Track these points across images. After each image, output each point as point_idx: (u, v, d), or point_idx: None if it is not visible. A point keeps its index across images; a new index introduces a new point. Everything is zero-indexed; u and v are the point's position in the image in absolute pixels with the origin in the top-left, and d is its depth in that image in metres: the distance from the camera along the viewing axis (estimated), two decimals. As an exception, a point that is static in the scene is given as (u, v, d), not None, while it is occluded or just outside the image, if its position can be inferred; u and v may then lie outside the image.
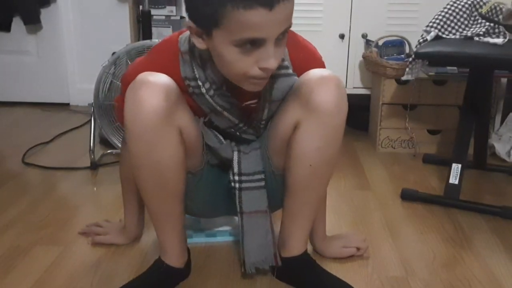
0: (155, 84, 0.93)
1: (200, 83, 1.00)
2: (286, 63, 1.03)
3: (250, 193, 1.09)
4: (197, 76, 1.00)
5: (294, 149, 1.02)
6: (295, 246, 1.11)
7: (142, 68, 1.01)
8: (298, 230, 1.10)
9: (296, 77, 1.03)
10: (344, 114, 1.00)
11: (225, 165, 1.12)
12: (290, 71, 1.03)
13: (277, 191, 1.11)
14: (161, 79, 0.95)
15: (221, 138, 1.09)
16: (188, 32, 1.00)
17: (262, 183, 1.10)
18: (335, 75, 0.99)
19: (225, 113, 1.04)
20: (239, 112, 1.05)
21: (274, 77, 1.01)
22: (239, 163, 1.09)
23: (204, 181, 1.13)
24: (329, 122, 0.98)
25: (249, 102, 1.06)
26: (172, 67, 1.00)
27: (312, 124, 0.98)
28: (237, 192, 1.09)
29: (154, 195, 1.03)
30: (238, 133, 1.10)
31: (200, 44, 0.92)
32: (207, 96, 1.01)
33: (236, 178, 1.09)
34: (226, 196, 1.14)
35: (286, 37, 0.91)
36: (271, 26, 0.84)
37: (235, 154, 1.09)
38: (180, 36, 1.02)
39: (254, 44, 0.86)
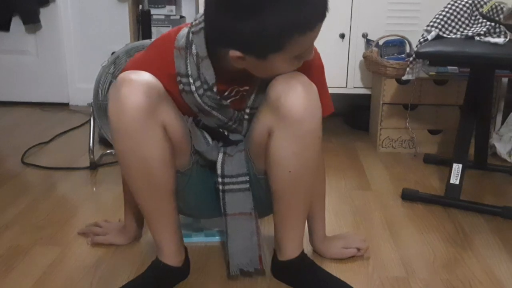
0: (136, 82, 0.94)
1: (191, 80, 0.99)
2: None
3: (234, 195, 1.09)
4: (189, 73, 0.99)
5: (271, 156, 1.01)
6: (290, 249, 1.11)
7: (137, 64, 1.02)
8: (290, 233, 1.10)
9: None
10: (316, 117, 0.97)
11: (213, 167, 1.11)
12: None
13: (263, 194, 1.10)
14: (142, 76, 0.96)
15: (209, 139, 1.09)
16: (186, 29, 1.00)
17: (246, 185, 1.09)
18: (304, 78, 0.97)
19: (214, 112, 1.04)
20: (228, 110, 1.05)
21: None
22: (223, 165, 1.08)
23: (194, 181, 1.13)
24: (301, 128, 0.96)
25: (245, 88, 1.05)
26: (167, 62, 1.00)
27: (284, 132, 0.97)
28: (221, 194, 1.09)
29: (144, 192, 1.03)
30: (226, 133, 1.09)
31: (239, 64, 0.92)
32: (195, 95, 1.01)
33: (220, 180, 1.08)
34: (216, 197, 1.13)
35: None
36: (318, 27, 0.90)
37: (220, 156, 1.09)
38: (178, 33, 1.01)
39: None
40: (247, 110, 1.06)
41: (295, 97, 0.95)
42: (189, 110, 1.05)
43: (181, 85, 1.01)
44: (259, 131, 1.03)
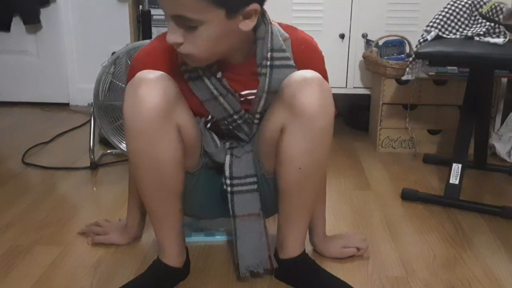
0: (154, 82, 0.94)
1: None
2: (288, 54, 1.03)
3: (242, 196, 1.09)
4: None
5: (282, 153, 1.01)
6: (292, 248, 1.11)
7: (143, 55, 1.03)
8: (294, 232, 1.10)
9: (296, 69, 1.03)
10: (330, 115, 0.98)
11: (220, 169, 1.12)
12: (291, 62, 1.03)
13: (270, 194, 1.11)
14: (160, 76, 0.96)
15: (217, 141, 1.09)
16: None
17: (254, 186, 1.09)
18: (318, 76, 0.98)
19: (221, 98, 1.04)
20: (235, 101, 1.05)
21: (273, 67, 1.01)
22: (231, 166, 1.09)
23: (201, 182, 1.13)
24: (314, 125, 0.96)
25: (246, 92, 1.06)
26: (172, 54, 1.01)
27: (298, 128, 0.97)
28: (229, 195, 1.09)
29: (153, 193, 1.03)
30: (231, 127, 1.09)
31: None
32: (204, 78, 1.01)
33: (228, 181, 1.09)
34: (222, 199, 1.13)
35: (206, 31, 0.90)
36: (162, 2, 0.90)
37: (227, 158, 1.09)
38: None
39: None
40: (257, 116, 1.07)
41: (309, 94, 0.95)
42: (195, 107, 1.05)
43: (187, 73, 1.01)
44: (271, 128, 1.03)
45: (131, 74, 1.00)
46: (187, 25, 0.90)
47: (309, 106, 0.95)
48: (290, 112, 0.97)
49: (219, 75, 1.01)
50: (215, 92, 1.03)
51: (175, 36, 0.92)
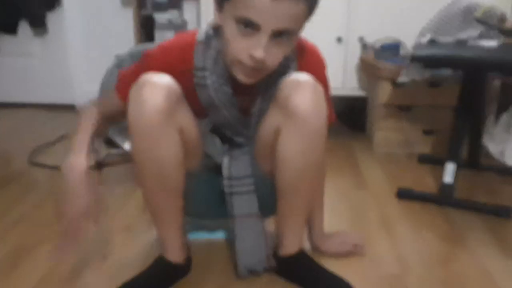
0: (157, 84, 0.96)
1: (207, 74, 1.02)
2: (289, 60, 1.05)
3: (241, 197, 1.11)
4: (207, 66, 1.02)
5: (278, 155, 1.03)
6: (291, 245, 1.13)
7: (159, 51, 1.04)
8: (292, 230, 1.12)
9: None
10: (323, 117, 1.00)
11: (220, 170, 1.13)
12: (293, 66, 1.05)
13: (268, 194, 1.12)
14: (164, 79, 0.98)
15: (218, 143, 1.12)
16: (207, 26, 1.04)
17: (252, 187, 1.11)
18: (312, 79, 0.99)
19: (224, 110, 1.06)
20: (236, 111, 1.08)
21: (274, 72, 1.03)
22: (229, 167, 1.11)
23: (202, 183, 1.15)
24: (308, 127, 0.98)
25: (247, 98, 1.07)
26: (184, 56, 1.03)
27: (292, 130, 0.99)
28: (228, 196, 1.11)
29: (154, 191, 1.04)
30: (229, 136, 1.11)
31: (216, 19, 0.96)
32: (210, 88, 1.03)
33: (226, 182, 1.10)
34: (222, 200, 1.15)
35: (291, 41, 0.93)
36: (269, 16, 0.87)
37: (226, 159, 1.11)
38: (199, 30, 1.05)
39: (251, 27, 0.89)
40: (255, 119, 1.09)
41: (303, 96, 0.97)
42: (198, 108, 1.07)
43: (197, 78, 1.03)
44: (266, 130, 1.05)
45: (144, 64, 1.03)
46: (284, 39, 0.90)
47: (303, 108, 0.97)
48: (284, 114, 0.99)
49: (229, 85, 1.03)
50: (218, 103, 1.05)
51: (266, 53, 0.90)
